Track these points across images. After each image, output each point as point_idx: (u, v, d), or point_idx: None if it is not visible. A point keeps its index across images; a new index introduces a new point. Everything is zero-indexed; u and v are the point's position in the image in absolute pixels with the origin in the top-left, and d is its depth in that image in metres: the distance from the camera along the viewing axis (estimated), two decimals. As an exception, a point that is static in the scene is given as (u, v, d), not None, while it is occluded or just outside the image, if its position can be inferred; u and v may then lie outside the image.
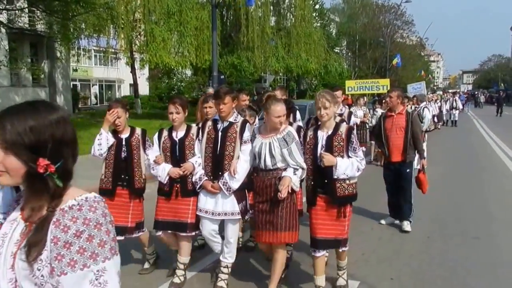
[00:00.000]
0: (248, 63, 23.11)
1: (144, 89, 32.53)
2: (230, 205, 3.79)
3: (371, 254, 4.90)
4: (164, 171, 3.93)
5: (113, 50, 24.06)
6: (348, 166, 3.56)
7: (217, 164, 3.76)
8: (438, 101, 21.30)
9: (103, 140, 3.91)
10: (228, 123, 3.80)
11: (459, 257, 4.79)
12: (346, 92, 12.92)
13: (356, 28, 43.88)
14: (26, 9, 19.09)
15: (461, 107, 24.89)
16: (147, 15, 20.21)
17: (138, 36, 21.60)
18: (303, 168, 3.59)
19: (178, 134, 3.97)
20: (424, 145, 10.25)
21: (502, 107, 31.76)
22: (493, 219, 6.26)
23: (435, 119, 19.61)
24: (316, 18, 36.77)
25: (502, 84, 76.01)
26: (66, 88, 25.10)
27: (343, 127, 3.64)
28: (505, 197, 7.60)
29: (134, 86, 24.47)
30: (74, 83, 32.38)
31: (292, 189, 3.52)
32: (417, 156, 5.89)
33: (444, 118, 22.19)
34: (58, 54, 22.72)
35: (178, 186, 3.90)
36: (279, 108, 3.50)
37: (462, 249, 5.06)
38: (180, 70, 27.28)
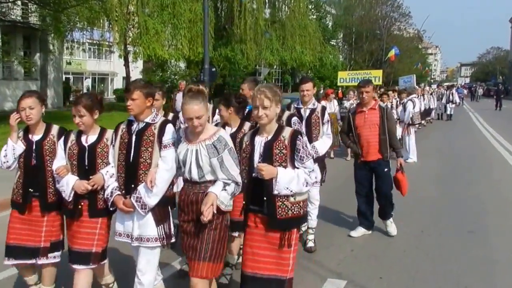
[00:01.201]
0: (242, 56, 22.86)
1: (138, 82, 32.31)
2: (147, 227, 3.02)
3: (360, 250, 4.72)
4: (68, 185, 3.12)
5: (106, 43, 23.81)
6: (293, 179, 2.83)
7: (131, 175, 3.01)
8: (429, 95, 20.60)
9: (9, 150, 3.25)
10: (144, 124, 3.06)
11: (453, 252, 4.64)
12: (338, 84, 12.66)
13: (353, 20, 43.56)
14: (19, 2, 18.83)
15: (458, 100, 24.11)
16: (140, 7, 19.95)
17: (132, 28, 21.34)
18: (237, 183, 2.90)
19: (89, 139, 3.21)
20: (412, 139, 10.24)
21: (501, 100, 31.04)
22: (488, 213, 6.11)
23: (432, 114, 19.35)
24: (312, 10, 36.50)
25: (500, 77, 75.98)
26: (58, 81, 24.94)
27: (287, 132, 2.91)
28: (501, 190, 7.44)
29: (127, 79, 24.23)
30: (67, 76, 32.12)
31: (219, 210, 2.84)
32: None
33: (438, 111, 21.80)
34: (51, 47, 22.50)
35: (84, 203, 3.14)
36: (194, 108, 2.77)
37: (456, 244, 4.90)
38: (174, 63, 27.06)
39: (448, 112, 21.60)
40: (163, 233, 3.03)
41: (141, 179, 2.98)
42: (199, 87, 2.94)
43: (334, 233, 5.23)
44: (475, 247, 4.80)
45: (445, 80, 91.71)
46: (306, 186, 2.89)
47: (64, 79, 28.16)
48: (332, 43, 40.56)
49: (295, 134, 2.91)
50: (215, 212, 2.78)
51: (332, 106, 10.50)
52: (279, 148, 2.87)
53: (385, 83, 34.43)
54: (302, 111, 4.72)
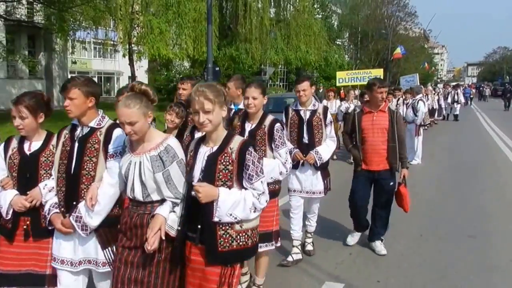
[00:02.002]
0: (247, 55, 22.85)
1: (143, 81, 32.36)
2: (90, 251, 2.60)
3: (358, 254, 4.68)
4: (5, 200, 2.71)
5: (111, 42, 23.90)
6: (238, 203, 2.32)
7: (71, 189, 2.57)
8: (436, 94, 20.37)
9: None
10: (88, 129, 2.62)
11: (452, 258, 4.57)
12: (337, 84, 12.25)
13: (358, 19, 43.36)
14: (24, 1, 18.94)
15: (463, 100, 23.40)
16: (145, 6, 20.01)
17: (136, 28, 21.41)
18: None
19: (32, 146, 2.76)
20: (420, 141, 10.01)
21: (510, 100, 30.08)
22: (491, 218, 6.01)
23: (436, 114, 18.87)
24: (318, 9, 36.38)
25: (507, 77, 75.43)
26: (63, 80, 24.95)
27: (236, 142, 2.37)
28: (505, 195, 7.33)
29: (132, 78, 24.36)
30: (73, 75, 32.24)
31: (169, 236, 2.38)
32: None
33: (444, 112, 21.36)
34: (55, 46, 22.61)
35: (27, 222, 2.71)
36: (125, 111, 2.31)
37: (456, 249, 4.83)
38: (179, 62, 27.12)
39: (454, 112, 21.10)
40: (111, 257, 2.59)
41: (82, 194, 2.55)
42: (142, 87, 2.42)
43: (332, 236, 5.17)
44: (475, 252, 4.73)
45: (452, 80, 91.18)
46: (255, 212, 2.37)
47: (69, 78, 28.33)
48: (337, 42, 40.43)
49: (245, 146, 2.36)
50: (163, 238, 2.34)
51: (333, 106, 10.36)
52: (224, 163, 2.34)
53: (392, 83, 34.27)
54: (301, 113, 4.37)
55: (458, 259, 4.54)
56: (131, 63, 22.43)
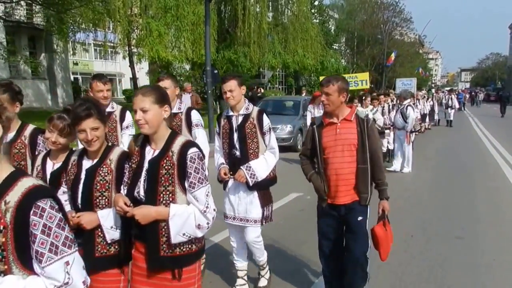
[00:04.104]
0: (245, 59, 23.08)
1: (144, 83, 32.65)
2: None
3: (352, 253, 4.93)
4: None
5: (111, 44, 24.09)
6: (187, 218, 2.16)
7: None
8: (430, 99, 20.21)
9: None
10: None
11: (440, 257, 4.83)
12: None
13: (355, 24, 43.79)
14: (23, 2, 19.08)
15: (457, 105, 23.45)
16: (143, 9, 20.19)
17: (135, 30, 21.58)
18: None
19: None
20: (410, 148, 9.63)
21: (506, 106, 29.13)
22: (479, 220, 6.29)
23: (427, 119, 18.49)
24: (315, 14, 36.70)
25: (499, 83, 76.20)
26: (66, 81, 25.27)
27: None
28: (494, 198, 7.60)
29: (134, 80, 24.63)
30: (76, 76, 32.50)
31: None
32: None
33: (437, 117, 21.20)
34: (55, 47, 22.75)
35: None
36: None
37: (444, 249, 5.09)
38: (179, 65, 27.29)
39: (448, 118, 20.90)
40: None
41: None
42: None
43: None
44: (462, 252, 4.99)
45: (446, 85, 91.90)
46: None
47: (72, 79, 28.54)
48: (334, 47, 40.77)
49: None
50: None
51: (321, 111, 10.05)
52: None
53: (387, 87, 34.62)
54: (233, 119, 3.61)
55: (446, 258, 4.80)
56: (132, 65, 22.61)
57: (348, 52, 47.51)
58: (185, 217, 2.16)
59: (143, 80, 31.89)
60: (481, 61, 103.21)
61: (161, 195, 2.17)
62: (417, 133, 13.03)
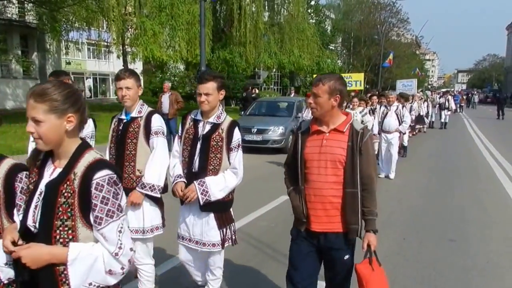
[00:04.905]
0: (240, 59, 22.98)
1: (138, 83, 32.54)
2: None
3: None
4: None
5: (105, 43, 23.94)
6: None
7: None
8: (425, 101, 20.01)
9: None
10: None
11: (433, 259, 4.74)
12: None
13: (351, 25, 43.85)
14: (15, 0, 18.93)
15: (453, 107, 23.26)
16: (138, 8, 20.05)
17: (130, 29, 21.44)
18: None
19: None
20: (396, 152, 8.86)
21: (503, 108, 28.51)
22: (472, 223, 6.21)
23: (423, 121, 18.27)
24: (312, 14, 36.69)
25: (496, 84, 76.54)
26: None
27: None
28: (485, 200, 7.54)
29: (128, 80, 24.43)
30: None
31: None
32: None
33: (431, 119, 20.98)
34: (48, 47, 22.59)
35: None
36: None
37: (436, 251, 5.01)
38: (173, 65, 27.16)
39: (443, 120, 20.66)
40: None
41: None
42: None
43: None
44: (454, 255, 4.90)
45: (442, 86, 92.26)
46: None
47: (64, 78, 28.26)
48: (330, 47, 40.78)
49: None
50: None
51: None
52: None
53: (383, 88, 34.66)
54: (199, 125, 3.10)
55: (438, 261, 4.71)
56: (125, 65, 22.46)
57: (344, 53, 47.58)
58: (91, 262, 1.62)
59: (137, 80, 31.78)
60: (478, 63, 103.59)
61: (58, 231, 1.62)
62: (410, 135, 12.88)
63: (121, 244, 1.66)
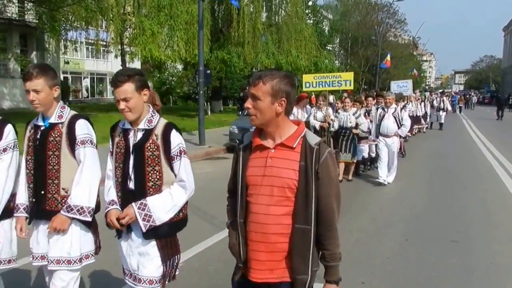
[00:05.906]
0: (238, 59, 22.98)
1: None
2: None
3: (345, 256, 4.77)
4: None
5: (103, 43, 23.89)
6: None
7: None
8: (422, 101, 19.85)
9: None
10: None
11: (435, 261, 4.75)
12: (303, 89, 10.09)
13: (349, 26, 43.93)
14: (15, -1, 18.91)
15: (449, 108, 23.16)
16: (137, 7, 20.03)
17: (128, 29, 21.41)
18: None
19: None
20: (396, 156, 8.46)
21: (503, 109, 28.39)
22: (474, 223, 6.23)
23: (422, 121, 18.28)
24: (309, 14, 36.70)
25: (493, 85, 76.82)
26: (57, 80, 24.91)
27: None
28: (487, 201, 7.56)
29: (126, 79, 24.39)
30: (66, 75, 32.17)
31: None
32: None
33: (429, 120, 20.83)
34: (47, 46, 22.53)
35: None
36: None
37: (439, 252, 5.02)
38: (171, 64, 27.11)
39: (439, 121, 20.62)
40: None
41: None
42: None
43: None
44: (457, 256, 4.92)
45: (440, 87, 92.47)
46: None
47: (62, 78, 28.23)
48: (328, 48, 40.81)
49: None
50: None
51: (305, 114, 9.48)
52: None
53: (381, 89, 34.69)
54: (130, 136, 2.57)
55: (441, 262, 4.72)
56: (124, 64, 22.41)
57: (342, 53, 47.66)
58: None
59: (135, 79, 31.78)
60: (475, 64, 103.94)
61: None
62: (406, 139, 12.74)
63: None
